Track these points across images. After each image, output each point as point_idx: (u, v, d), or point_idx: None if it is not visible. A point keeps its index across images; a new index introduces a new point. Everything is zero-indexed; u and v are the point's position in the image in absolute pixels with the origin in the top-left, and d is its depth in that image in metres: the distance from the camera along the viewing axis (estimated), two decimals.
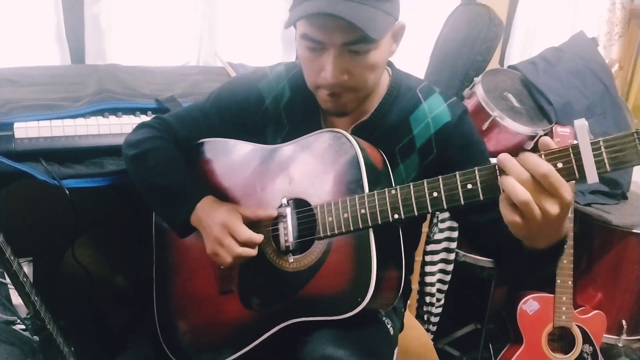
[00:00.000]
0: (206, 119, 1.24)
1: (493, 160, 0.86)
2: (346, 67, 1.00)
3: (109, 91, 1.55)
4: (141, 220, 1.34)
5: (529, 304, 1.95)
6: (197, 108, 1.26)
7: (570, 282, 1.91)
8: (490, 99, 1.85)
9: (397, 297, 1.05)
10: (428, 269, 2.02)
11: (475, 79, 1.90)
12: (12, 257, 1.06)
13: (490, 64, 1.96)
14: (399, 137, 1.13)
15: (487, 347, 2.11)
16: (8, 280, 1.15)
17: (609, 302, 2.00)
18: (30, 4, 1.82)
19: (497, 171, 0.83)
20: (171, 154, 1.19)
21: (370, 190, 0.98)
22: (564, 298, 1.91)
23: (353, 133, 1.08)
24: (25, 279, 1.10)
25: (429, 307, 2.07)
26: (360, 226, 0.97)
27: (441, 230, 1.99)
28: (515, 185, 0.77)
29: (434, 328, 2.11)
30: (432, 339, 2.02)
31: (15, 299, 1.23)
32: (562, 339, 1.98)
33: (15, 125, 1.33)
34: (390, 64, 1.16)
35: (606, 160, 0.76)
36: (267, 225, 1.10)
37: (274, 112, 1.21)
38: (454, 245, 2.01)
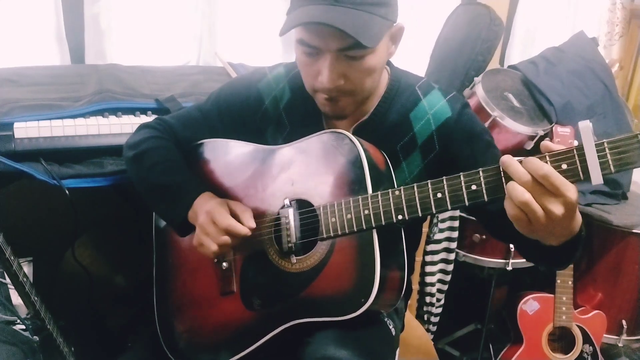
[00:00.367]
0: (207, 119, 1.24)
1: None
2: (343, 72, 1.00)
3: (109, 91, 1.54)
4: (141, 220, 1.33)
5: (529, 304, 1.96)
6: (197, 109, 1.26)
7: (570, 282, 1.91)
8: (491, 99, 1.85)
9: (400, 297, 1.05)
10: (428, 269, 2.02)
11: (476, 78, 1.89)
12: (12, 257, 1.06)
13: (491, 63, 1.95)
14: (400, 135, 1.12)
15: (487, 347, 2.12)
16: (8, 280, 1.15)
17: (609, 302, 2.00)
18: (30, 4, 1.81)
19: (502, 172, 0.83)
20: (170, 153, 1.19)
21: (373, 191, 0.98)
22: (564, 298, 1.91)
23: (354, 133, 1.08)
24: (25, 279, 1.10)
25: (429, 307, 2.07)
26: (364, 227, 0.97)
27: (441, 230, 1.99)
28: (514, 187, 0.79)
29: (434, 328, 2.11)
30: (432, 339, 2.02)
31: (15, 299, 1.22)
32: (562, 339, 1.98)
33: (15, 125, 1.33)
34: (388, 63, 1.16)
35: (610, 162, 0.76)
36: (270, 226, 1.09)
37: (273, 113, 1.20)
38: (454, 245, 2.01)
